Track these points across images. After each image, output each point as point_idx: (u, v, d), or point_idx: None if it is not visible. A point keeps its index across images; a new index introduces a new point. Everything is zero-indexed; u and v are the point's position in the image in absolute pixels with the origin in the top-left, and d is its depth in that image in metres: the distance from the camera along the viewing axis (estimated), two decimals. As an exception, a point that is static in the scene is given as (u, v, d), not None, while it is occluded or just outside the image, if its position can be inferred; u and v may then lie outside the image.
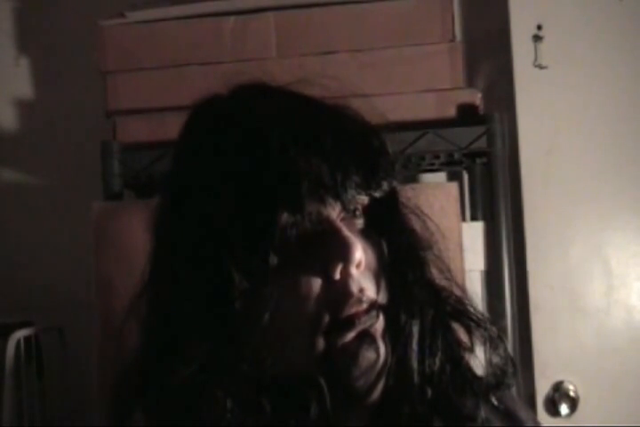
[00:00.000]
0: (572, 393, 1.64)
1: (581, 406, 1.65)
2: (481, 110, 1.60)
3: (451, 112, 1.58)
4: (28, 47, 2.02)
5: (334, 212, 0.65)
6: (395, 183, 0.69)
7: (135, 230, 1.51)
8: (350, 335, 0.64)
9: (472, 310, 0.72)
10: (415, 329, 0.68)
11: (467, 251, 1.44)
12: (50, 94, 2.00)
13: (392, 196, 0.70)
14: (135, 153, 1.60)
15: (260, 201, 0.62)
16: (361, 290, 0.65)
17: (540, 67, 1.68)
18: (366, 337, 0.65)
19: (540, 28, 1.68)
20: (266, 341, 0.63)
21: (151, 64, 1.66)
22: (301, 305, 0.64)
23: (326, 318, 0.64)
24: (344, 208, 0.66)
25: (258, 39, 1.63)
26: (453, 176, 1.78)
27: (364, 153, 0.66)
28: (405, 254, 0.70)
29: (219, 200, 0.64)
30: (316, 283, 0.64)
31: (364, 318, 0.65)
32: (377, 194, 0.67)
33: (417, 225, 0.72)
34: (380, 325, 0.66)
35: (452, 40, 1.60)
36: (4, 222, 1.98)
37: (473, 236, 1.53)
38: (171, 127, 1.74)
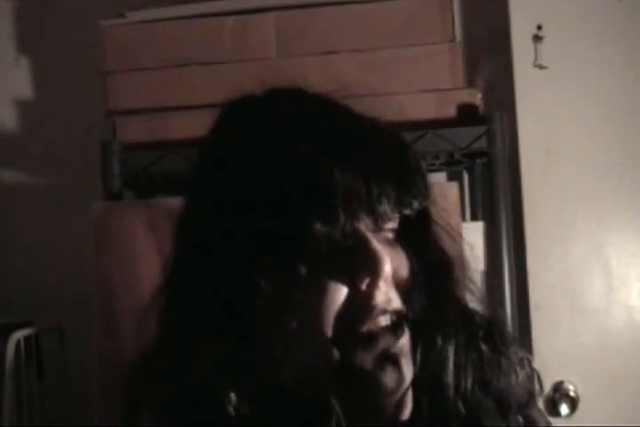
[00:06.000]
0: (572, 393, 1.64)
1: (581, 406, 1.65)
2: (481, 110, 1.60)
3: (451, 112, 1.58)
4: (28, 47, 2.02)
5: (365, 225, 0.65)
6: (427, 202, 0.69)
7: (135, 230, 1.51)
8: (369, 357, 0.63)
9: (502, 332, 0.72)
10: (451, 352, 0.68)
11: (466, 251, 1.44)
12: (50, 94, 2.00)
13: (423, 213, 0.70)
14: (135, 153, 1.60)
15: (294, 209, 0.62)
16: (387, 301, 0.64)
17: (540, 67, 1.68)
18: (387, 359, 0.64)
19: (540, 28, 1.68)
20: (285, 347, 0.63)
21: (151, 64, 1.66)
22: (324, 313, 0.63)
23: (348, 329, 0.63)
24: (375, 223, 0.65)
25: (258, 39, 1.63)
26: (453, 176, 1.78)
27: (400, 170, 0.66)
28: (438, 273, 0.70)
29: (251, 205, 0.63)
30: (342, 292, 0.64)
31: (385, 338, 0.64)
32: (408, 211, 0.66)
33: (447, 243, 0.72)
34: (405, 341, 0.65)
35: (452, 40, 1.60)
36: (4, 222, 1.98)
37: (473, 236, 1.52)
38: (171, 127, 1.76)
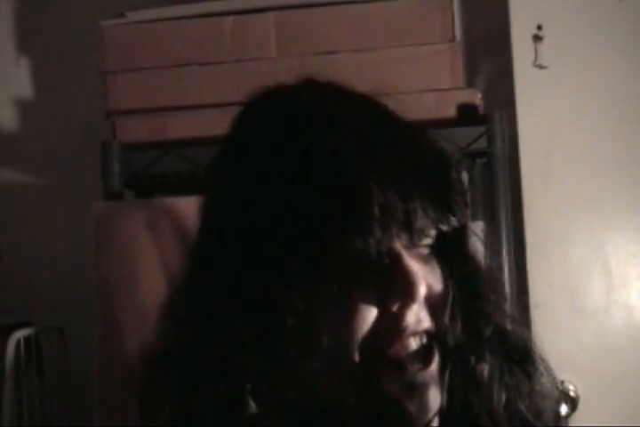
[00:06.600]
0: (572, 393, 1.64)
1: (581, 406, 1.64)
2: (481, 110, 1.60)
3: (451, 112, 1.58)
4: (28, 47, 2.02)
5: (401, 242, 0.62)
6: (465, 218, 0.67)
7: (135, 230, 1.51)
8: (396, 383, 0.61)
9: (535, 354, 0.71)
10: (485, 375, 0.65)
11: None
12: (50, 94, 2.00)
13: (461, 229, 0.67)
14: (135, 153, 1.60)
15: (326, 223, 0.59)
16: (417, 322, 0.62)
17: (540, 67, 1.68)
18: (415, 386, 0.62)
19: (540, 28, 1.68)
20: (309, 365, 0.60)
21: (151, 64, 1.66)
22: (352, 336, 0.61)
23: (376, 351, 0.61)
24: (411, 240, 0.62)
25: (258, 39, 1.63)
26: (453, 176, 1.78)
27: (440, 184, 0.63)
28: (472, 291, 0.67)
29: (280, 219, 0.60)
30: (372, 314, 0.61)
31: (414, 365, 0.62)
32: (446, 228, 0.63)
33: (483, 261, 0.70)
34: (434, 366, 0.63)
35: (452, 40, 1.60)
36: (4, 222, 1.98)
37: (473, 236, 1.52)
38: (171, 127, 1.76)
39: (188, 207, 1.47)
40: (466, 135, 1.54)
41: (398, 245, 0.61)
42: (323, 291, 0.60)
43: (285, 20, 1.63)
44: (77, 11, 1.96)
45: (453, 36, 1.61)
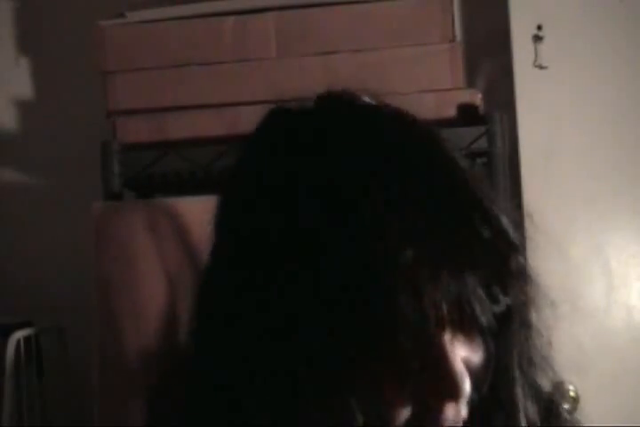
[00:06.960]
0: (572, 393, 1.64)
1: (581, 406, 1.64)
2: (481, 110, 1.60)
3: (451, 112, 1.58)
4: (28, 47, 2.02)
5: (446, 333, 0.54)
6: (521, 296, 0.60)
7: (135, 230, 1.51)
8: None
9: (564, 409, 0.68)
10: None
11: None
12: (50, 94, 2.00)
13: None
14: (135, 153, 1.60)
15: (366, 312, 0.51)
16: (457, 413, 0.55)
17: (540, 67, 1.68)
18: None
19: (540, 28, 1.68)
20: None
21: (151, 64, 1.66)
22: None
23: None
24: (457, 331, 0.55)
25: (258, 39, 1.63)
26: (453, 176, 1.78)
27: (502, 272, 0.55)
28: (520, 371, 0.61)
29: (310, 305, 0.52)
30: (406, 410, 0.54)
31: None
32: (497, 309, 0.56)
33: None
34: None
35: (452, 40, 1.60)
36: (5, 222, 1.98)
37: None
38: (171, 127, 1.76)
39: (188, 207, 1.47)
40: (466, 135, 1.53)
41: (443, 338, 0.54)
42: (352, 386, 0.53)
43: (285, 20, 1.63)
44: (77, 11, 1.96)
45: (453, 36, 1.61)
